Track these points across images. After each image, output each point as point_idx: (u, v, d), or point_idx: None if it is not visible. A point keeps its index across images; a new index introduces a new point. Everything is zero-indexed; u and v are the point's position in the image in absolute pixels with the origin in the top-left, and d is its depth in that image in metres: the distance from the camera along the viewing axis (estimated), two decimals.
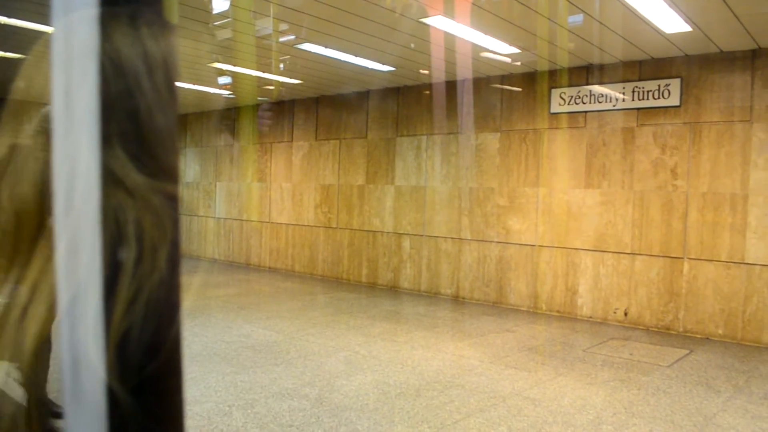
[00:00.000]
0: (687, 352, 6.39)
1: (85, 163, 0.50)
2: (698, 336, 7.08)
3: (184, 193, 14.25)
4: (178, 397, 0.54)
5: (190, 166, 14.14)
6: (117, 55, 0.50)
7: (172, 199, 0.53)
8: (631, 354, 6.24)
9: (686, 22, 5.86)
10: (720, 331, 6.96)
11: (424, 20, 6.17)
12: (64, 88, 0.51)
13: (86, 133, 0.50)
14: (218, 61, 8.40)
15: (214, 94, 10.97)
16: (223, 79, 9.78)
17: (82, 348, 0.50)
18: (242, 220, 12.74)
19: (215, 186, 13.41)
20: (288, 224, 11.77)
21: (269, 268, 12.13)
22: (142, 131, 0.51)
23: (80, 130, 0.50)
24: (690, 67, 7.16)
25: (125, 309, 0.49)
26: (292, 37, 7.10)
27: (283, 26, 6.77)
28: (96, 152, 0.49)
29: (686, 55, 7.14)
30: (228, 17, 6.60)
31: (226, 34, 7.09)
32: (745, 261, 6.80)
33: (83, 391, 0.50)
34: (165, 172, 0.52)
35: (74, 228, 0.50)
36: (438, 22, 6.19)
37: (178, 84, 0.56)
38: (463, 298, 9.12)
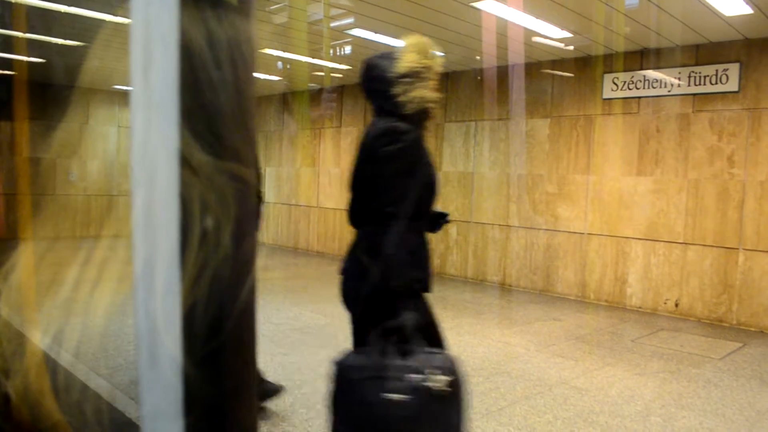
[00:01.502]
0: (740, 345, 6.23)
1: (162, 141, 0.52)
2: (752, 329, 6.89)
3: None
4: (246, 375, 0.57)
5: None
6: (182, 37, 0.52)
7: (238, 179, 0.55)
8: (681, 345, 6.12)
9: (747, 3, 5.66)
10: None
11: (475, 4, 6.12)
12: (142, 68, 0.54)
13: (165, 112, 0.52)
14: (270, 48, 8.49)
15: (264, 80, 11.11)
16: (276, 65, 9.89)
17: (157, 319, 0.53)
18: (291, 204, 12.91)
19: (265, 171, 13.60)
20: (336, 209, 11.87)
21: (317, 252, 12.27)
22: (205, 111, 0.53)
23: (159, 108, 0.53)
24: (750, 51, 6.92)
25: (191, 284, 0.52)
26: (343, 22, 7.13)
27: (334, 11, 6.81)
28: (175, 131, 0.51)
29: (746, 38, 6.89)
30: (279, 3, 6.66)
31: (278, 20, 7.17)
32: None
33: (159, 363, 0.53)
34: (230, 152, 0.54)
35: (149, 204, 0.53)
36: (489, 6, 6.13)
37: (251, 67, 0.58)
38: (510, 285, 9.07)
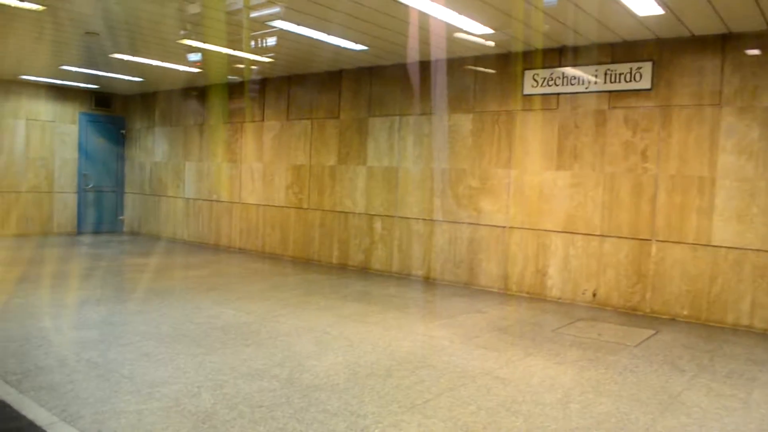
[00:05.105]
0: (653, 332, 6.48)
1: None
2: (664, 317, 7.19)
3: (153, 172, 14.02)
4: None
5: (159, 145, 13.90)
6: None
7: None
8: (599, 334, 6.31)
9: (659, 4, 5.88)
10: (685, 312, 7.08)
11: None
12: None
13: None
14: (188, 38, 8.21)
15: (183, 71, 10.76)
16: (194, 57, 9.59)
17: None
18: (212, 200, 12.59)
19: (184, 166, 13.21)
20: (258, 205, 11.66)
21: (239, 249, 12.02)
22: None
23: None
24: (662, 51, 7.20)
25: None
26: (264, 12, 6.96)
27: (255, 1, 6.64)
28: None
29: (658, 38, 7.17)
30: None
31: (196, 9, 6.93)
32: (711, 243, 6.90)
33: None
34: None
35: None
36: (411, 0, 6.11)
37: None
38: (434, 279, 9.14)
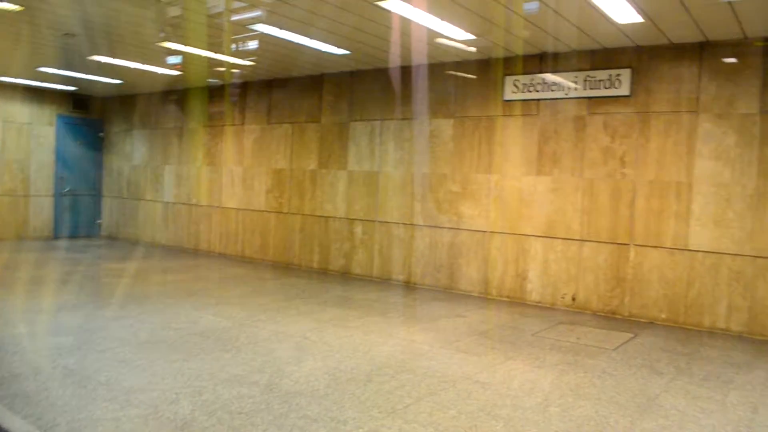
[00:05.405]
0: (632, 335, 6.54)
1: None
2: (643, 320, 7.25)
3: (132, 176, 13.88)
4: None
5: (137, 149, 13.77)
6: None
7: None
8: (578, 338, 6.35)
9: (638, 12, 5.94)
10: (663, 316, 7.15)
11: (380, 3, 6.09)
12: None
13: None
14: (168, 40, 8.15)
15: (163, 74, 10.68)
16: (173, 59, 9.52)
17: None
18: (191, 204, 12.49)
19: (163, 169, 13.10)
20: (238, 209, 11.59)
21: (219, 253, 11.94)
22: None
23: None
24: (640, 58, 7.28)
25: None
26: (245, 16, 6.93)
27: (236, 4, 6.61)
28: None
29: (637, 45, 7.25)
30: None
31: (176, 11, 6.89)
32: (688, 248, 6.98)
33: None
34: None
35: None
36: (393, 5, 6.12)
37: None
38: (415, 283, 9.14)
